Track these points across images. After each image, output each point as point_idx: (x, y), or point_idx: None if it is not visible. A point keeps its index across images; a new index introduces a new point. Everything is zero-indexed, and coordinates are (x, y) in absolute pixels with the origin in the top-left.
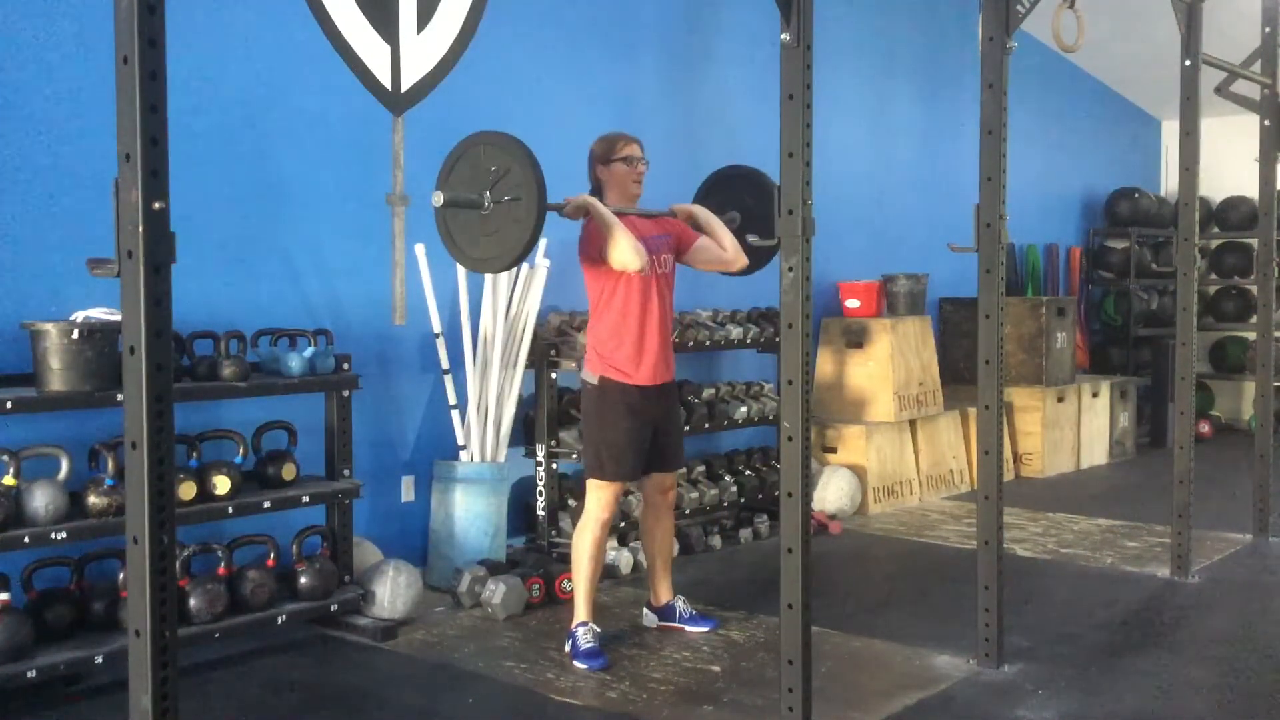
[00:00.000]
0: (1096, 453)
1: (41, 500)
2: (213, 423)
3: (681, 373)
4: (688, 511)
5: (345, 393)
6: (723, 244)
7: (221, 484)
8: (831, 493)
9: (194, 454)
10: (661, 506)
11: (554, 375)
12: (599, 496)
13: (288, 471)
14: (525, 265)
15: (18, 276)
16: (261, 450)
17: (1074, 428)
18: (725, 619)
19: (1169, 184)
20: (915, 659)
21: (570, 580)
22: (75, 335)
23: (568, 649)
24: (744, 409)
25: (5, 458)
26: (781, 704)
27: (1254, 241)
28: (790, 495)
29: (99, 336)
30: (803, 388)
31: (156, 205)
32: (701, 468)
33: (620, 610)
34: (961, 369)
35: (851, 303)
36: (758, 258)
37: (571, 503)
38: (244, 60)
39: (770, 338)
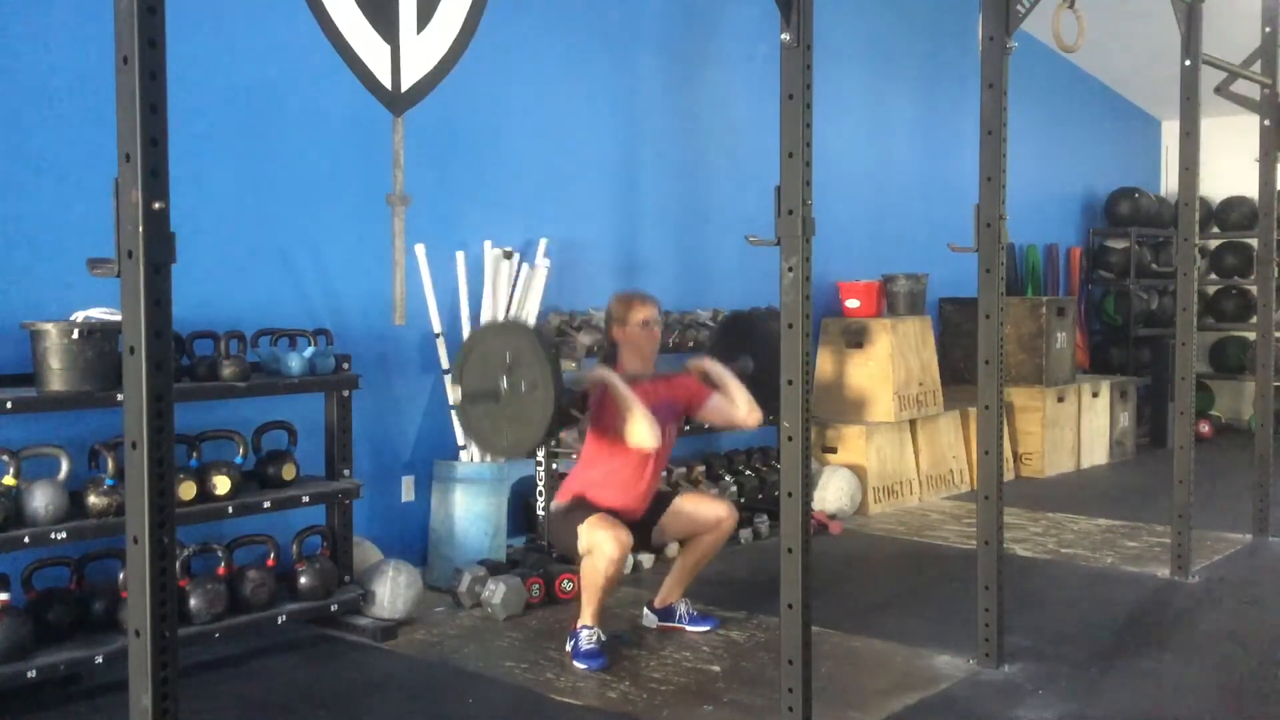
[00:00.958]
0: (1096, 453)
1: (41, 500)
2: (213, 423)
3: None
4: None
5: (345, 393)
6: (735, 401)
7: (221, 484)
8: (831, 493)
9: (194, 454)
10: (718, 534)
11: None
12: (596, 536)
13: (288, 471)
14: (525, 265)
15: (18, 276)
16: (261, 450)
17: (1074, 428)
18: (725, 619)
19: (1169, 184)
20: (915, 659)
21: (571, 580)
22: (75, 335)
23: (569, 648)
24: None
25: (5, 458)
26: (781, 704)
27: (1254, 241)
28: (790, 495)
29: (99, 336)
30: (803, 388)
31: (156, 205)
32: (701, 468)
33: (620, 610)
34: (961, 369)
35: (851, 303)
36: (769, 410)
37: None
38: (244, 60)
39: None
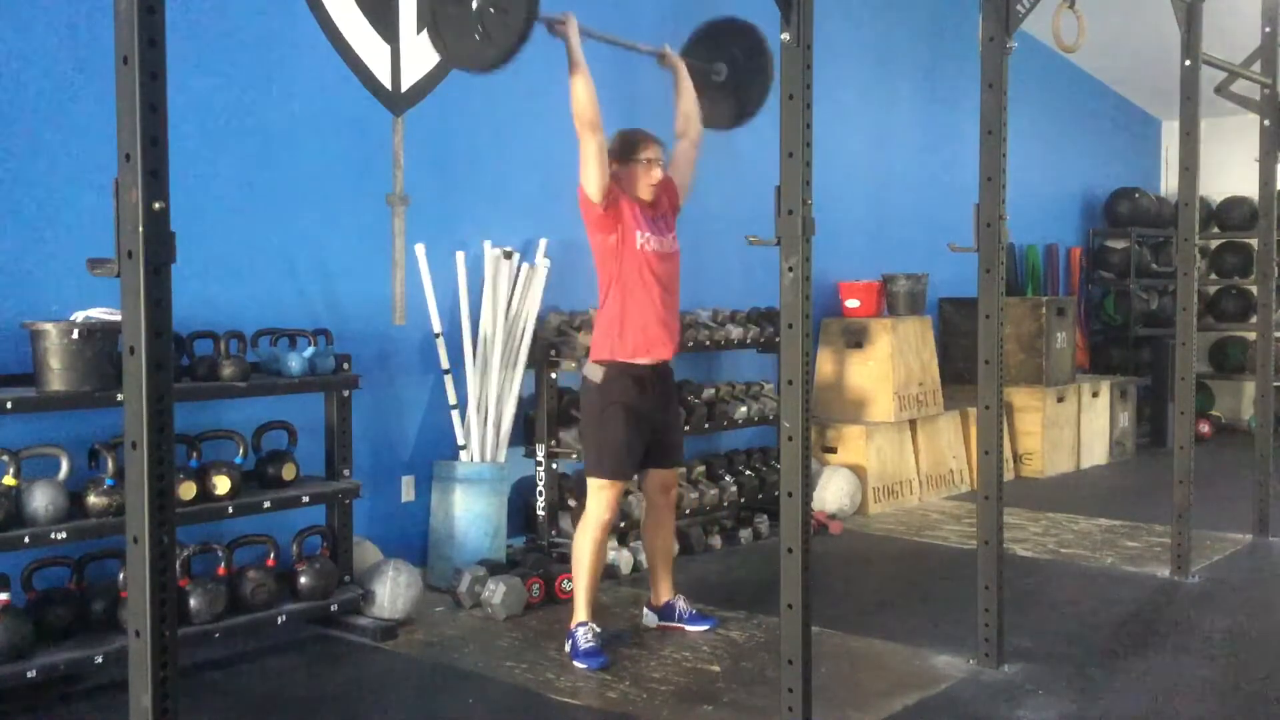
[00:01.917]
0: (1096, 453)
1: (41, 500)
2: (213, 423)
3: (681, 373)
4: (688, 511)
5: (345, 393)
6: (681, 98)
7: (221, 484)
8: (831, 493)
9: (194, 454)
10: (663, 506)
11: (554, 375)
12: (600, 497)
13: (288, 471)
14: (525, 265)
15: (18, 276)
16: (261, 450)
17: (1074, 428)
18: (725, 619)
19: (1169, 184)
20: (915, 659)
21: (570, 580)
22: (75, 335)
23: (567, 649)
24: (744, 409)
25: (5, 458)
26: (781, 704)
27: (1254, 241)
28: (790, 495)
29: (99, 336)
30: (803, 388)
31: (156, 205)
32: (701, 468)
33: (620, 610)
34: (961, 369)
35: (851, 303)
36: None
37: (571, 503)
38: (244, 60)
39: (770, 338)
